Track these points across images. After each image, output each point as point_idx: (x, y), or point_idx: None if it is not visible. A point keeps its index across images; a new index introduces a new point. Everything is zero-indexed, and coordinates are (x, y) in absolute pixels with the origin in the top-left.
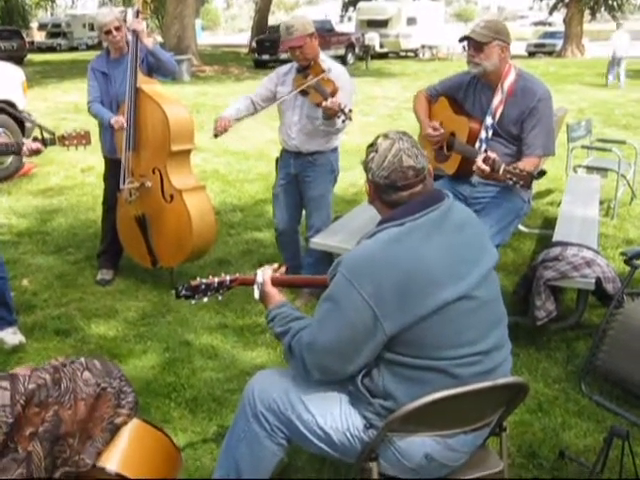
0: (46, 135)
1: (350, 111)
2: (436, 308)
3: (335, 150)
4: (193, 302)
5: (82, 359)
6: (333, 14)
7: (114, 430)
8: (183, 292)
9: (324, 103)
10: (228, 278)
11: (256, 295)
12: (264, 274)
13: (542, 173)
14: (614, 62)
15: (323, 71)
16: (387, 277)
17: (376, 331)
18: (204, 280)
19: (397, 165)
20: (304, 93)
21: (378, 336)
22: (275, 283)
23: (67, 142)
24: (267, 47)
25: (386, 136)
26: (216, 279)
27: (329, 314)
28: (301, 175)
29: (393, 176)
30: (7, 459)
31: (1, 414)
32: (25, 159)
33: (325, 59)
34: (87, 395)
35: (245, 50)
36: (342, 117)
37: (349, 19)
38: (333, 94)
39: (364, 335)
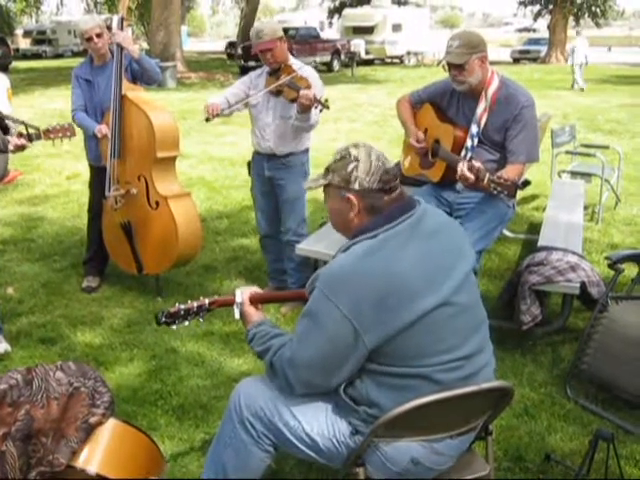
0: (31, 130)
1: (326, 101)
2: (416, 318)
3: (307, 151)
4: (174, 327)
5: (58, 362)
6: (313, 21)
7: (89, 429)
8: (163, 319)
9: (300, 93)
10: (207, 301)
11: (236, 315)
12: (243, 293)
13: (526, 183)
14: (576, 67)
15: (294, 71)
16: (365, 291)
17: (357, 345)
18: (182, 306)
19: (383, 168)
20: (278, 93)
21: (359, 350)
22: (254, 301)
23: (52, 135)
24: (254, 54)
25: (356, 146)
26: (195, 303)
27: (309, 330)
28: (275, 178)
29: (384, 178)
30: None
31: None
32: (10, 166)
33: (294, 62)
34: (60, 394)
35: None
36: (319, 107)
37: (330, 25)
38: (307, 89)
39: (345, 349)
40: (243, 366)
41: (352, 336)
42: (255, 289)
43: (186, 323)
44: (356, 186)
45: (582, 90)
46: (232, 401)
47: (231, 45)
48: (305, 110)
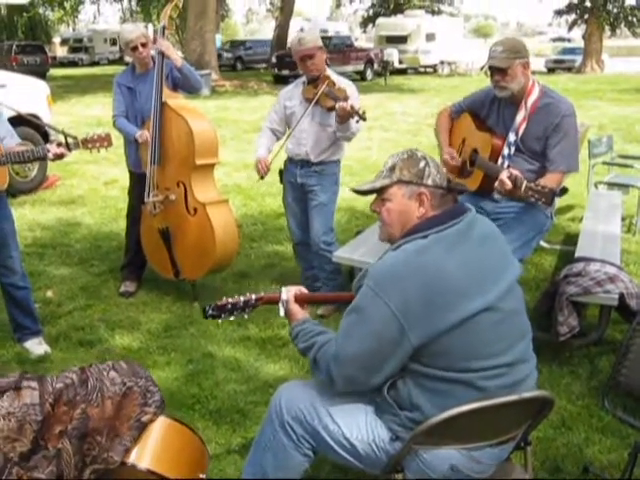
0: (69, 140)
1: (364, 112)
2: (462, 319)
3: (339, 162)
4: (220, 321)
5: (109, 362)
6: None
7: (141, 428)
8: (210, 312)
9: (337, 105)
10: (254, 297)
11: (281, 313)
12: (288, 292)
13: (564, 190)
14: None
15: (333, 81)
16: (413, 288)
17: (402, 342)
18: (230, 300)
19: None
20: (316, 101)
21: (404, 347)
22: (300, 300)
23: (90, 145)
24: (287, 62)
25: (416, 149)
26: (242, 298)
27: (355, 325)
28: (307, 185)
29: (446, 177)
30: (38, 457)
31: (31, 412)
32: (49, 172)
33: (331, 72)
34: (114, 394)
35: (264, 65)
36: (356, 118)
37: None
38: (345, 100)
39: (390, 346)
40: (279, 372)
41: (398, 333)
42: (301, 289)
43: (231, 318)
44: (429, 181)
45: None
46: (273, 404)
47: (219, 56)
48: (343, 121)
